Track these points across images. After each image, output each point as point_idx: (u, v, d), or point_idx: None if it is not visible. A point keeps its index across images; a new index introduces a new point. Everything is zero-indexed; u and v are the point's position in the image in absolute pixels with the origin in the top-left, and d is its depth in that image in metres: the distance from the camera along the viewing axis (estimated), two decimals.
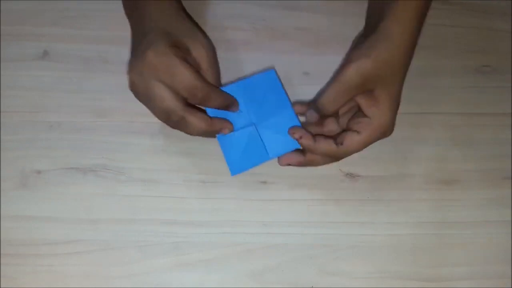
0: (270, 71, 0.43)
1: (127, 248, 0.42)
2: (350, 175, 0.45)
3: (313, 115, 0.38)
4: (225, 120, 0.40)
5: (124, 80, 0.43)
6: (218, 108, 0.40)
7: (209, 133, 0.39)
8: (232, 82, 0.43)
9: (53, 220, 0.42)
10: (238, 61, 0.47)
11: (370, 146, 0.45)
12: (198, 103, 0.38)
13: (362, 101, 0.38)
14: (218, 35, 0.48)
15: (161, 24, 0.38)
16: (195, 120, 0.37)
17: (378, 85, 0.36)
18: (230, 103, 0.40)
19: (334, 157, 0.39)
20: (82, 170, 0.44)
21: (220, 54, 0.45)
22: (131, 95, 0.42)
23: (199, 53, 0.38)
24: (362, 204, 0.44)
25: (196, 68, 0.38)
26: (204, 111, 0.40)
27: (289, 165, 0.41)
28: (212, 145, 0.44)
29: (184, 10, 0.42)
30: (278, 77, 0.43)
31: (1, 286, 0.41)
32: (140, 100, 0.38)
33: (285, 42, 0.48)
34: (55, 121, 0.45)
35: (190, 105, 0.38)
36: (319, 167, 0.44)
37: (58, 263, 0.41)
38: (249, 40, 0.49)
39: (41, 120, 0.45)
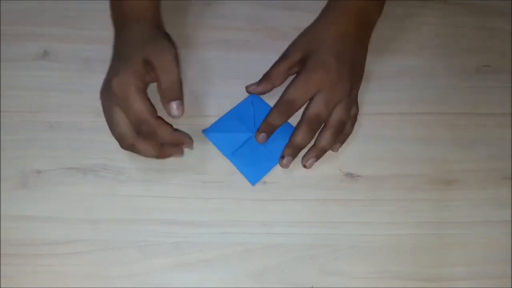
0: (252, 94, 0.46)
1: (127, 248, 0.42)
2: (350, 175, 0.45)
3: (264, 137, 0.42)
4: (175, 147, 0.42)
5: None
6: (169, 144, 0.41)
7: (162, 157, 0.42)
8: (225, 112, 0.46)
9: (53, 220, 0.42)
10: (238, 61, 0.47)
11: (370, 146, 0.45)
12: (145, 135, 0.40)
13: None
14: (218, 35, 0.48)
15: (134, 47, 0.40)
16: (144, 147, 0.40)
17: (309, 60, 0.41)
18: (181, 141, 0.42)
19: (293, 107, 0.41)
20: (82, 170, 0.44)
21: (220, 54, 0.45)
22: None
23: (156, 61, 0.39)
24: (362, 204, 0.44)
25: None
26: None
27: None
28: (212, 145, 0.44)
29: (157, 23, 0.43)
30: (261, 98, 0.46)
31: (1, 286, 0.41)
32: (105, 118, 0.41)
33: (285, 42, 0.48)
34: (55, 121, 0.45)
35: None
36: (319, 167, 0.44)
37: (58, 263, 0.41)
38: (249, 40, 0.49)
39: (41, 120, 0.45)
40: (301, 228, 0.43)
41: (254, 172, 0.44)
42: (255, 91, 0.44)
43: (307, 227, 0.43)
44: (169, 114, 0.39)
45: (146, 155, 0.40)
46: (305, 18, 0.49)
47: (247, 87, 0.45)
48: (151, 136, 0.40)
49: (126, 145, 0.40)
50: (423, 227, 0.44)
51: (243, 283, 0.42)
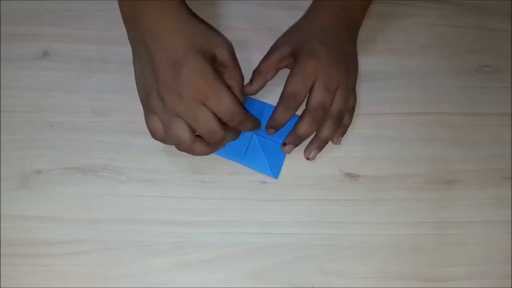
0: (296, 116, 0.44)
1: (127, 248, 0.42)
2: (350, 175, 0.45)
3: (271, 131, 0.42)
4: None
5: (124, 80, 0.43)
6: (245, 131, 0.42)
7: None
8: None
9: (53, 220, 0.42)
10: (238, 61, 0.47)
11: (370, 146, 0.45)
12: (235, 125, 0.39)
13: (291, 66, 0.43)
14: None
15: (189, 39, 0.37)
16: (233, 137, 0.41)
17: (298, 52, 0.42)
18: (256, 127, 0.42)
19: (296, 101, 0.41)
20: (82, 170, 0.44)
21: None
22: (131, 95, 0.42)
23: (223, 55, 0.39)
24: (362, 204, 0.44)
25: (223, 69, 0.40)
26: None
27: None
28: None
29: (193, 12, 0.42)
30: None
31: (1, 286, 0.41)
32: (173, 120, 0.38)
33: None
34: (55, 121, 0.45)
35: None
36: (319, 167, 0.44)
37: (58, 263, 0.41)
38: (249, 40, 0.49)
39: (41, 120, 0.45)
40: (301, 228, 0.43)
41: (272, 166, 0.44)
42: (250, 91, 0.44)
43: (307, 227, 0.43)
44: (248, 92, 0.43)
45: (200, 154, 0.40)
46: None
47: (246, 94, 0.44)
48: (239, 126, 0.39)
49: (217, 138, 0.38)
50: (423, 227, 0.44)
51: (243, 283, 0.42)
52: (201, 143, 0.39)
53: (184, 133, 0.37)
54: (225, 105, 0.37)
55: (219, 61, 0.40)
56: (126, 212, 0.43)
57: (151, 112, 0.38)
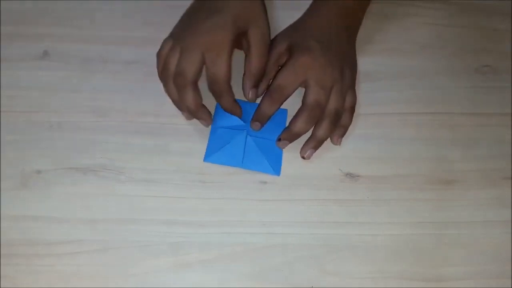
0: (285, 110, 0.46)
1: (127, 248, 0.42)
2: (350, 175, 0.45)
3: (257, 125, 0.43)
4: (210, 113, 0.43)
5: (124, 80, 0.43)
6: (224, 109, 0.43)
7: (193, 112, 0.42)
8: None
9: (53, 220, 0.42)
10: (239, 61, 0.47)
11: (370, 146, 0.45)
12: (213, 93, 0.41)
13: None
14: None
15: (233, 8, 0.41)
16: (191, 96, 0.40)
17: (294, 48, 0.42)
18: (234, 110, 0.43)
19: (282, 94, 0.42)
20: (82, 170, 0.44)
21: None
22: (131, 95, 0.43)
23: (253, 35, 0.41)
24: (362, 204, 0.44)
25: (247, 52, 0.42)
26: None
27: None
28: None
29: None
30: (287, 117, 0.46)
31: (1, 286, 0.41)
32: (171, 51, 0.40)
33: None
34: (55, 121, 0.45)
35: None
36: (319, 167, 0.44)
37: (58, 263, 0.41)
38: None
39: (41, 120, 0.45)
40: (301, 228, 0.43)
41: (272, 163, 0.44)
42: (259, 95, 0.44)
43: (307, 227, 0.43)
44: (247, 98, 0.43)
45: (186, 102, 0.41)
46: None
47: (248, 96, 0.43)
48: (217, 95, 0.41)
49: (181, 82, 0.40)
50: (423, 227, 0.44)
51: (243, 283, 0.42)
52: (195, 91, 0.40)
53: (191, 66, 0.39)
54: (218, 68, 0.39)
55: (247, 39, 0.41)
56: (126, 212, 0.43)
57: (173, 40, 0.41)
